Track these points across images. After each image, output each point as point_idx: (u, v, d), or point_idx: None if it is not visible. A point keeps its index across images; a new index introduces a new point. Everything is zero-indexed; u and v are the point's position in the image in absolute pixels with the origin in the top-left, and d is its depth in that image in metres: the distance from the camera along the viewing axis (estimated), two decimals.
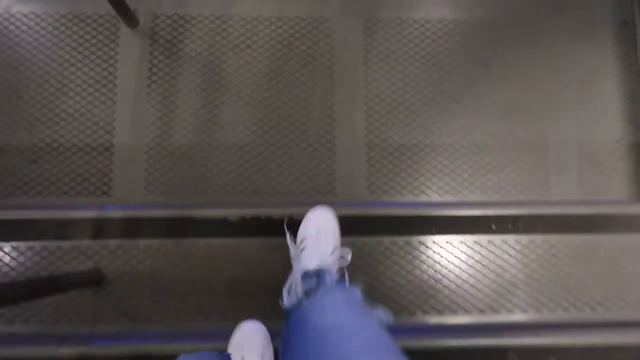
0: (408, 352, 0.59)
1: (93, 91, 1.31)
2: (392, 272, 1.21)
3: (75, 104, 1.30)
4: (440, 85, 1.35)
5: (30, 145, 1.27)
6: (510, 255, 1.23)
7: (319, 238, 1.00)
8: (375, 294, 1.20)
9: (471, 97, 1.35)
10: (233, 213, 1.19)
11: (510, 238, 1.23)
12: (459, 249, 1.22)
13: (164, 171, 1.28)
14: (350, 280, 0.90)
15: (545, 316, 1.20)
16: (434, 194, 1.30)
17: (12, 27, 1.32)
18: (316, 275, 0.82)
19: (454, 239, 1.23)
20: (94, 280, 1.07)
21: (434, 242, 1.23)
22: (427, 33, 1.38)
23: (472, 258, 1.22)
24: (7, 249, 1.17)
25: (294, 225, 1.10)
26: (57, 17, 1.34)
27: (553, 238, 1.24)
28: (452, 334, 1.16)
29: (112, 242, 1.17)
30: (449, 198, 1.29)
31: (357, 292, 0.71)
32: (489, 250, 1.23)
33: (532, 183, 1.31)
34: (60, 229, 1.14)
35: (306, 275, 0.84)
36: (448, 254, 1.22)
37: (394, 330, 0.64)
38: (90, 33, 1.34)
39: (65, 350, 1.09)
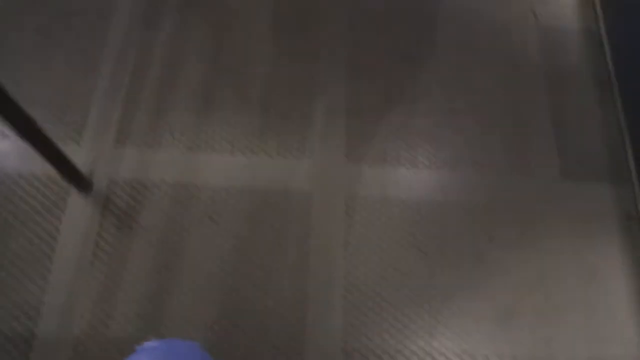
0: None
1: (23, 266, 1.12)
2: None
3: None
4: (429, 278, 1.19)
5: None
6: None
7: None
8: None
9: (463, 294, 1.18)
10: None
11: None
12: None
13: None
14: None
15: None
16: None
17: None
18: None
19: None
20: None
21: None
22: (416, 216, 1.25)
23: None
24: None
25: None
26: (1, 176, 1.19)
27: None
28: None
29: None
30: None
31: None
32: None
33: None
34: None
35: None
36: None
37: None
38: (34, 197, 1.18)
39: None
